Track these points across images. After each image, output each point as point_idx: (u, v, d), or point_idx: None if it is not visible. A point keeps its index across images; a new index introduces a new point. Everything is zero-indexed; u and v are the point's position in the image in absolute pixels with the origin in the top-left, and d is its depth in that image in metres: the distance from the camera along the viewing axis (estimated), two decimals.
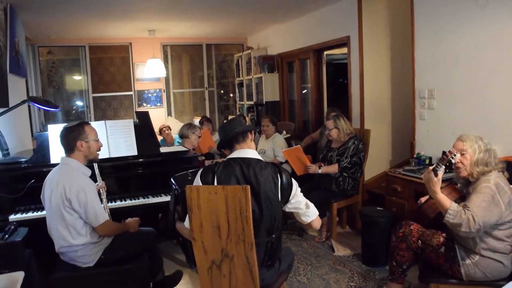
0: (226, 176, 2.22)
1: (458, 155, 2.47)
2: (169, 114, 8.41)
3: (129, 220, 3.05)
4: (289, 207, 2.34)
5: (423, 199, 2.87)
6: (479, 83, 3.66)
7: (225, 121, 2.54)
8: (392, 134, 5.47)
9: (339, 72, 7.89)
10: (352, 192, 4.49)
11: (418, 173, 3.77)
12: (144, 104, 8.15)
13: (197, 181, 2.26)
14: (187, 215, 2.08)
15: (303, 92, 7.09)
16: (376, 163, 5.29)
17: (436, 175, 2.41)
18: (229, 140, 2.36)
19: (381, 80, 5.33)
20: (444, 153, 3.50)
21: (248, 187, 1.93)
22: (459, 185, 2.80)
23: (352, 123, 5.28)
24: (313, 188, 4.51)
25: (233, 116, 2.42)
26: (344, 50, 6.41)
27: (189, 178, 2.63)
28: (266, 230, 2.24)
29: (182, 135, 4.79)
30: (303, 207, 2.34)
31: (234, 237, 2.01)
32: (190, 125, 4.84)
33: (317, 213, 2.39)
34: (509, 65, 3.39)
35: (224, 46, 8.90)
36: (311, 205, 2.38)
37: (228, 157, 2.35)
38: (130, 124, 3.78)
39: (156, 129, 7.52)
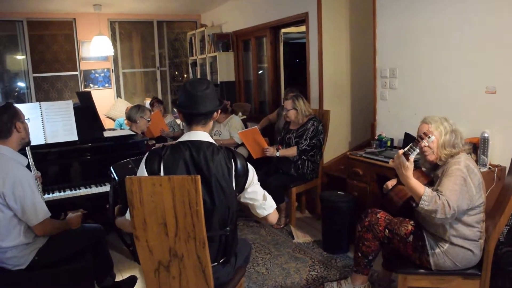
0: (174, 161, 1.93)
1: (433, 138, 2.29)
2: (119, 95, 7.94)
3: (70, 215, 2.69)
4: (245, 197, 2.08)
5: (389, 184, 2.69)
6: (442, 62, 3.52)
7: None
8: (351, 115, 5.31)
9: (296, 52, 7.67)
10: (312, 176, 4.32)
11: (380, 156, 3.61)
12: (91, 85, 7.64)
13: (142, 168, 1.96)
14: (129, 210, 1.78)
15: (260, 72, 6.83)
16: (335, 145, 5.13)
17: (407, 159, 2.22)
18: (189, 117, 2.04)
19: (340, 59, 5.14)
20: (415, 138, 3.37)
21: (198, 177, 1.65)
22: (424, 169, 2.64)
23: (311, 104, 5.08)
24: (271, 172, 4.31)
25: (204, 79, 1.97)
26: (301, 28, 6.18)
27: (130, 166, 2.31)
28: (219, 223, 1.98)
29: (129, 119, 4.42)
30: (259, 198, 2.08)
31: (183, 234, 1.74)
32: (138, 108, 4.46)
33: (275, 206, 2.13)
34: (473, 43, 3.26)
35: (176, 24, 8.46)
36: (269, 196, 2.12)
37: (177, 140, 2.06)
38: (69, 106, 3.40)
39: (103, 112, 7.15)
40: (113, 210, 2.21)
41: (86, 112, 3.57)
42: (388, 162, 3.39)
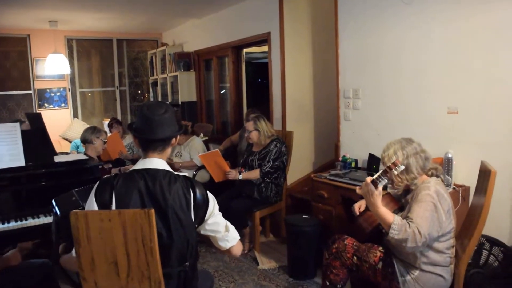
0: (127, 191, 1.77)
1: (403, 167, 2.21)
2: (76, 115, 7.63)
3: (10, 252, 2.44)
4: (205, 229, 1.93)
5: (357, 206, 2.59)
6: (404, 82, 3.51)
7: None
8: (314, 136, 5.26)
9: (258, 72, 7.63)
10: (276, 199, 4.20)
11: (345, 178, 3.54)
12: (46, 105, 7.31)
13: (91, 200, 1.77)
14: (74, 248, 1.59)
15: (222, 92, 6.71)
16: (299, 166, 5.05)
17: (376, 187, 2.13)
18: (145, 143, 1.89)
19: (303, 79, 5.10)
20: (379, 159, 3.31)
21: (152, 210, 1.49)
22: (393, 192, 2.57)
23: (274, 124, 5.00)
24: (233, 196, 4.16)
25: (163, 103, 1.81)
26: (263, 48, 6.14)
27: (74, 199, 2.11)
28: (177, 258, 1.82)
29: (84, 141, 4.19)
30: (221, 230, 1.93)
31: (136, 274, 1.57)
32: (94, 129, 4.24)
33: (238, 237, 1.99)
34: (435, 63, 3.27)
35: (137, 42, 8.26)
36: (232, 227, 1.98)
37: (131, 168, 1.89)
38: (15, 128, 3.14)
39: (58, 133, 6.82)
40: (57, 248, 2.00)
41: (35, 135, 3.33)
42: (353, 184, 3.35)
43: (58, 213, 2.02)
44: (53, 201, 2.16)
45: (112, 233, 1.51)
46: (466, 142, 3.12)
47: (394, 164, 2.13)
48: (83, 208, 2.02)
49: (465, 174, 3.12)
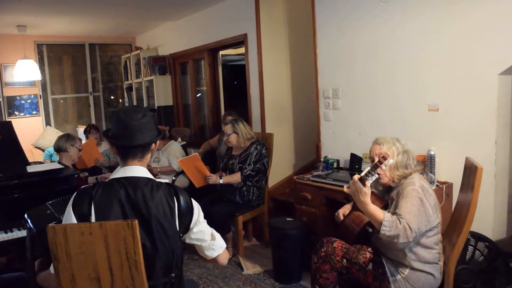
0: (107, 202, 1.67)
1: (392, 161, 2.19)
2: (48, 123, 7.41)
3: None
4: (190, 238, 1.85)
5: (341, 213, 2.56)
6: (384, 81, 3.50)
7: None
8: (294, 137, 5.22)
9: (234, 74, 7.57)
10: (258, 202, 4.13)
11: (328, 178, 3.50)
12: (17, 113, 7.06)
13: (69, 212, 1.67)
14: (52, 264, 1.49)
15: (198, 95, 6.62)
16: (280, 168, 5.00)
17: (364, 184, 2.09)
18: (124, 150, 1.80)
19: (281, 80, 5.06)
20: (361, 158, 3.29)
21: (136, 221, 1.40)
22: (376, 191, 2.54)
23: (253, 127, 4.94)
24: (215, 201, 4.07)
25: (140, 107, 1.71)
26: (239, 50, 6.07)
27: (49, 212, 2.00)
28: (162, 269, 1.73)
29: (58, 149, 4.03)
30: (207, 239, 1.85)
31: None
32: (68, 137, 4.08)
33: (225, 245, 1.91)
34: (415, 61, 3.26)
35: (110, 47, 8.08)
36: (217, 235, 1.90)
37: (110, 177, 1.79)
38: None
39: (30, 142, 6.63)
40: (33, 265, 1.88)
41: (6, 145, 3.19)
42: (337, 185, 3.32)
43: (33, 228, 1.89)
44: (25, 215, 2.02)
45: (94, 247, 1.42)
46: (448, 139, 3.12)
47: (384, 158, 2.10)
48: (60, 222, 1.92)
49: (448, 171, 3.12)
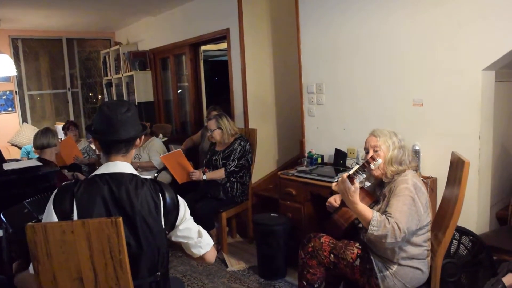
0: (90, 198, 1.60)
1: (380, 161, 2.15)
2: (25, 120, 7.22)
3: None
4: (177, 235, 1.79)
5: (332, 200, 2.52)
6: (368, 76, 3.49)
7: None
8: (277, 132, 5.19)
9: (215, 70, 7.50)
10: (242, 199, 4.10)
11: (313, 174, 3.48)
12: None
13: (49, 210, 1.60)
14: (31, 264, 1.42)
15: (179, 91, 6.53)
16: (263, 164, 4.97)
17: (352, 183, 2.07)
18: (107, 145, 1.73)
19: (264, 75, 5.02)
20: (346, 154, 3.26)
21: (120, 219, 1.35)
22: (368, 184, 2.53)
23: (236, 122, 4.88)
24: (198, 197, 4.01)
25: (124, 101, 1.65)
26: (221, 46, 6.01)
27: (26, 211, 1.92)
28: (148, 268, 1.67)
29: (48, 145, 3.85)
30: (194, 236, 1.80)
31: None
32: (52, 131, 3.94)
33: (212, 243, 1.87)
34: (399, 56, 3.26)
35: (88, 42, 7.92)
36: (204, 233, 1.85)
37: (93, 173, 1.73)
38: None
39: (6, 139, 6.46)
40: (10, 267, 1.80)
41: None
42: (322, 181, 3.30)
43: (9, 228, 1.81)
44: (1, 215, 1.93)
45: (76, 246, 1.35)
46: (432, 134, 3.13)
47: (372, 158, 2.07)
48: (39, 221, 1.84)
49: (432, 166, 3.13)
